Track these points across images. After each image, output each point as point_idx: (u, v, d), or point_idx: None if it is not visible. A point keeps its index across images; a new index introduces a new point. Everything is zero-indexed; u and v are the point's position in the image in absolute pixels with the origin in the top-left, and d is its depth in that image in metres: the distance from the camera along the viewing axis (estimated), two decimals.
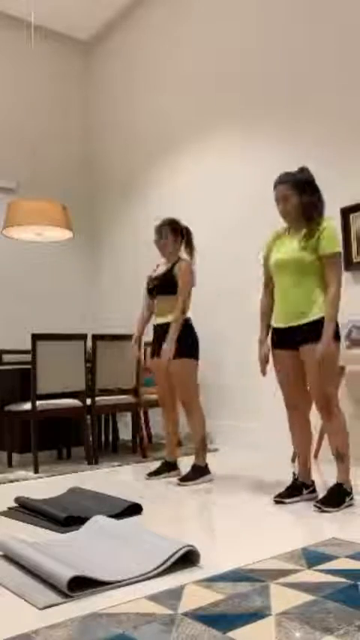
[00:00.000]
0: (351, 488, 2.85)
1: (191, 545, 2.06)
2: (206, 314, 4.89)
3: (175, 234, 3.70)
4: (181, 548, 2.03)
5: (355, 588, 1.80)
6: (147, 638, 1.52)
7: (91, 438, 4.35)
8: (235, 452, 4.63)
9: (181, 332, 3.55)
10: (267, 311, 3.11)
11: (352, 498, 2.83)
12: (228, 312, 4.97)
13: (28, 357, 4.26)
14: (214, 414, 4.89)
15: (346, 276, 4.13)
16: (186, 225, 3.75)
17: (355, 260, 4.08)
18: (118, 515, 2.72)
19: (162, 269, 3.73)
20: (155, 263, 3.88)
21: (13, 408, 4.24)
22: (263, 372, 3.08)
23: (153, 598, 1.78)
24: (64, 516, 2.62)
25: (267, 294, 3.12)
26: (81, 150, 6.81)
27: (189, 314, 3.65)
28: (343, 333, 3.79)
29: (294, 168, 3.00)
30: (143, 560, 2.02)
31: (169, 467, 3.74)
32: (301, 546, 2.22)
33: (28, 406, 4.10)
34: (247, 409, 4.80)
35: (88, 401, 4.33)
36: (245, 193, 4.89)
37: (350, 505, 2.81)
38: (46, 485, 3.64)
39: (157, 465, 4.01)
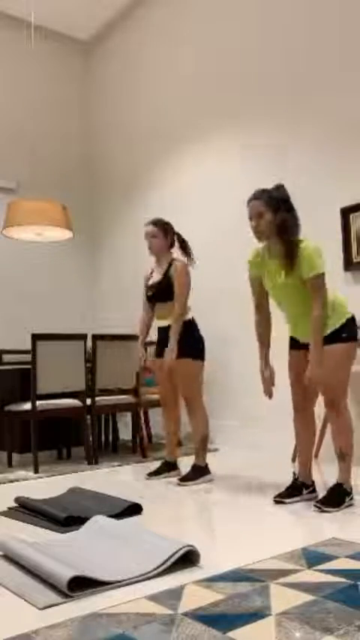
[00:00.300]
0: (351, 489, 2.85)
1: (191, 545, 2.06)
2: (209, 314, 4.88)
3: (164, 231, 3.66)
4: (181, 548, 2.03)
5: (355, 588, 1.80)
6: (147, 638, 1.52)
7: (91, 438, 4.35)
8: (235, 452, 4.63)
9: (184, 332, 3.55)
10: (263, 331, 3.09)
11: (352, 498, 2.83)
12: (231, 311, 4.96)
13: (28, 357, 4.26)
14: (217, 414, 4.88)
15: (346, 276, 4.14)
16: (177, 231, 3.73)
17: (355, 260, 4.08)
18: (118, 515, 2.72)
19: (157, 277, 3.68)
20: (150, 267, 3.83)
21: (13, 408, 4.24)
22: (267, 392, 3.04)
23: (153, 598, 1.78)
24: (64, 516, 2.62)
25: (260, 315, 3.09)
26: (81, 150, 6.81)
27: (193, 314, 3.64)
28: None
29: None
30: (143, 560, 2.02)
31: (169, 467, 3.74)
32: (301, 546, 2.22)
33: (28, 406, 4.10)
34: (248, 409, 4.80)
35: (88, 401, 4.33)
36: (245, 193, 4.85)
37: (350, 505, 2.81)
38: (46, 485, 3.64)
39: (157, 464, 4.02)
